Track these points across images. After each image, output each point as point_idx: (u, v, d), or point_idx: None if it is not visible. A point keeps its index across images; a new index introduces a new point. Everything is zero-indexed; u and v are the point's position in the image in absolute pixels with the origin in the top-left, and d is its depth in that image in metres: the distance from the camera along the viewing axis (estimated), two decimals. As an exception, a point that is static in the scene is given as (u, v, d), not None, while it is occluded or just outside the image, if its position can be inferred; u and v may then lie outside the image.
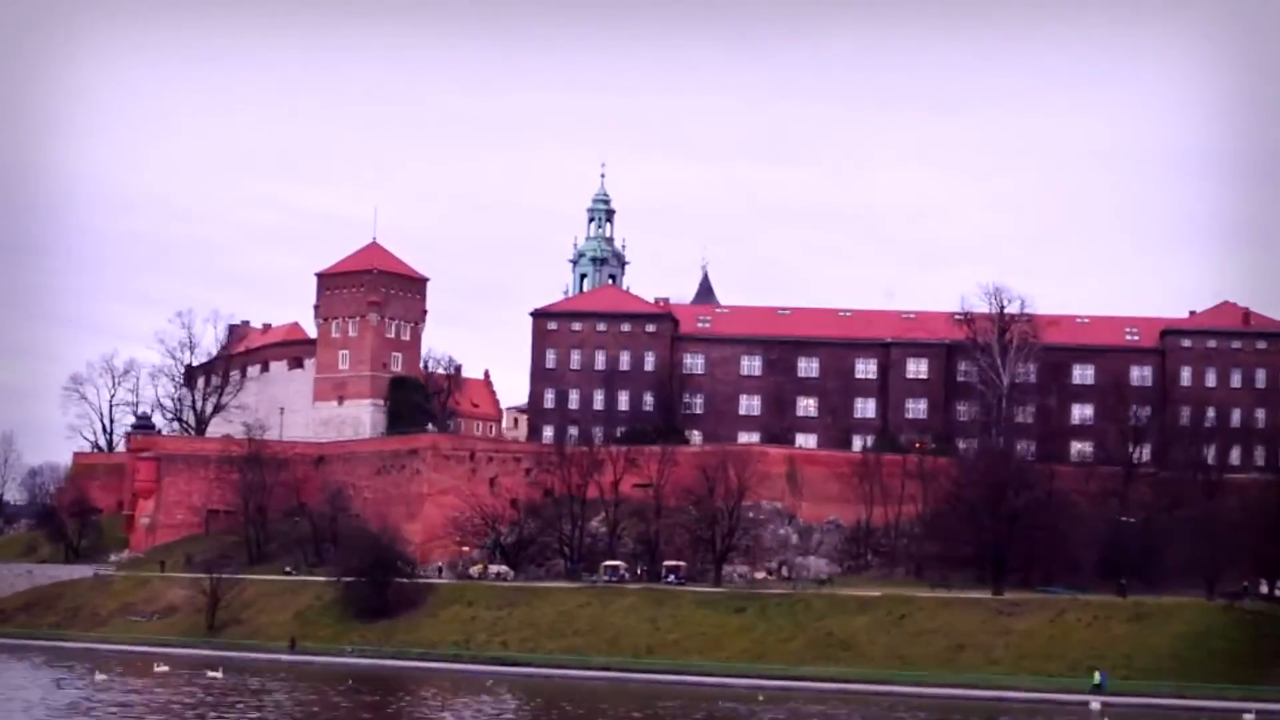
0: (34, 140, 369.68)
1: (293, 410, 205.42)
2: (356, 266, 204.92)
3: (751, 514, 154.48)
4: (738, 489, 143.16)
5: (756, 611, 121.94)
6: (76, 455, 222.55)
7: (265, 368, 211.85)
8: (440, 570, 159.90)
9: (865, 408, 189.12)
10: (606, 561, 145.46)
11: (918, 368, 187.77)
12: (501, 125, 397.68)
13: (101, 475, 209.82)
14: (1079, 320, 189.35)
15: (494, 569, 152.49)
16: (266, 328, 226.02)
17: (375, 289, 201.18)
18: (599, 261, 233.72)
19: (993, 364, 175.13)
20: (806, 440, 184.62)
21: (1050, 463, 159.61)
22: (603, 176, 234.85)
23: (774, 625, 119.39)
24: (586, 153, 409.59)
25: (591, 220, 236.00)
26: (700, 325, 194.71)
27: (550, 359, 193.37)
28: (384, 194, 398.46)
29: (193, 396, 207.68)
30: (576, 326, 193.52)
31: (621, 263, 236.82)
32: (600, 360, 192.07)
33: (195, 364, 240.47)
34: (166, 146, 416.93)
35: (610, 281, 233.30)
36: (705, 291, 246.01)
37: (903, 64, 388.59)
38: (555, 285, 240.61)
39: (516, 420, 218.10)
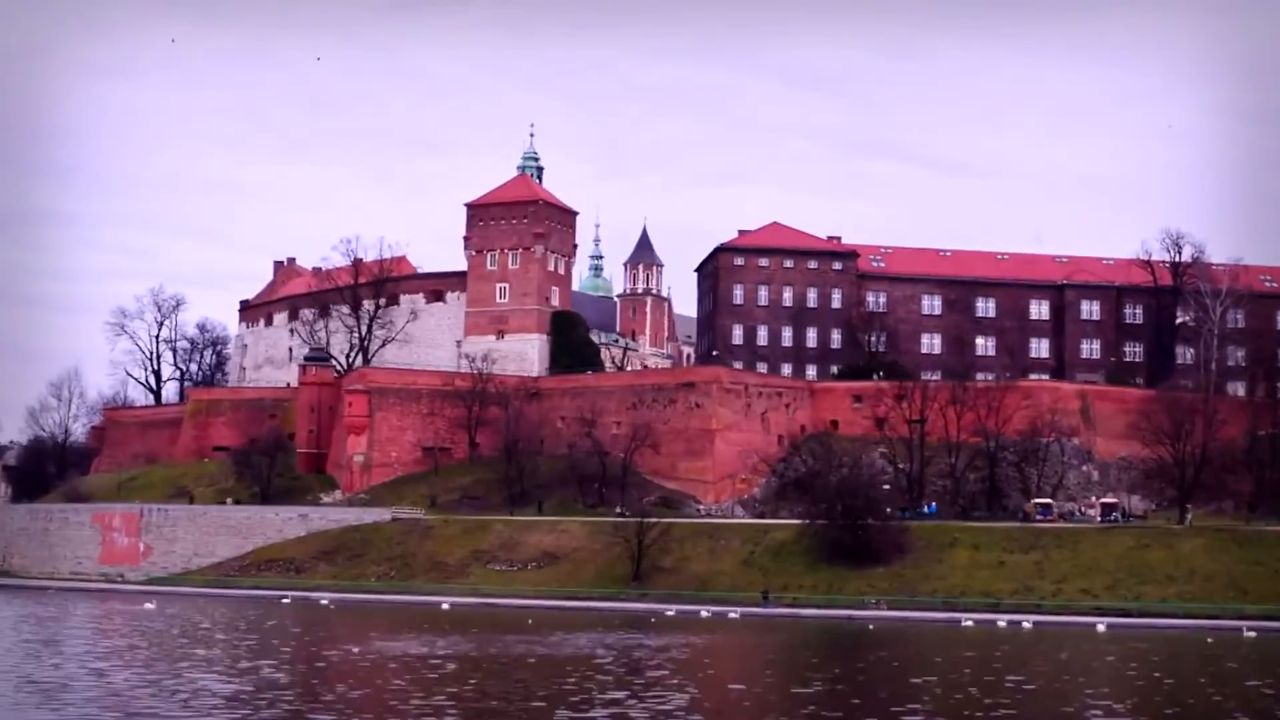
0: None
1: (433, 345, 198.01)
2: (510, 197, 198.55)
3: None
4: (1207, 431, 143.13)
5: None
6: (191, 391, 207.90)
7: (394, 300, 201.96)
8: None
9: (1040, 347, 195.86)
10: (1036, 499, 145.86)
11: (1091, 309, 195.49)
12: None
13: (227, 411, 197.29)
14: (1217, 267, 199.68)
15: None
16: (361, 262, 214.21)
17: (539, 221, 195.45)
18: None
19: (1204, 307, 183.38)
20: (984, 379, 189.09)
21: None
22: (531, 136, 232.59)
23: None
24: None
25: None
26: (875, 265, 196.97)
27: (738, 294, 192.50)
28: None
29: (335, 328, 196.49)
30: (763, 262, 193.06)
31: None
32: (787, 297, 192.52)
33: (252, 299, 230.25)
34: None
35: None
36: (644, 247, 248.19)
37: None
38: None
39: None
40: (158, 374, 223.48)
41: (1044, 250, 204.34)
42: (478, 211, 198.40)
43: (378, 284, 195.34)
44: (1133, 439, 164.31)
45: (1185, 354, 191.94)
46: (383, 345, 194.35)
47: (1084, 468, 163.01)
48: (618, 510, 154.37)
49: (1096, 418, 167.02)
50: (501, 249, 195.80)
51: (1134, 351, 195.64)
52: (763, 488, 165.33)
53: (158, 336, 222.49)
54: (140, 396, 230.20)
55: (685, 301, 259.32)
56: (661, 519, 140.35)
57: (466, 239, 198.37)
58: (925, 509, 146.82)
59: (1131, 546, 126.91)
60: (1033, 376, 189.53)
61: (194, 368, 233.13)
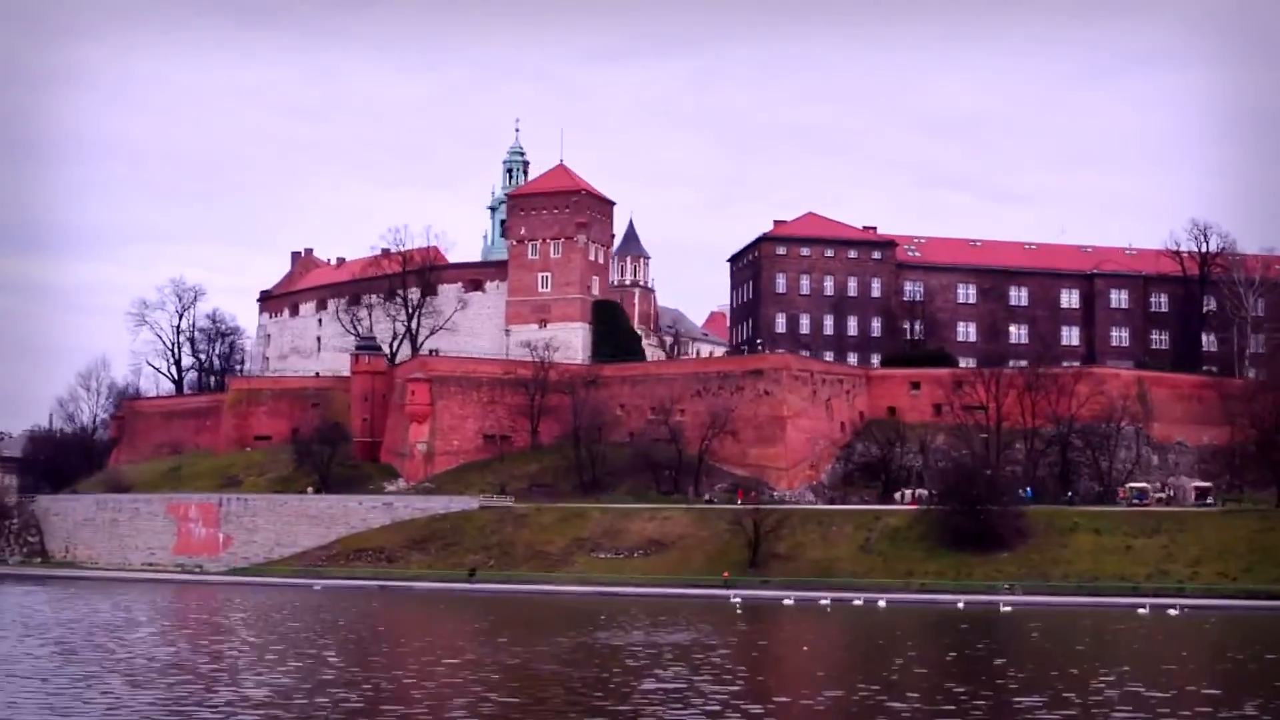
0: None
1: (473, 334, 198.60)
2: (552, 187, 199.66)
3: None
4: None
5: None
6: (233, 380, 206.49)
7: (432, 291, 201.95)
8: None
9: (1070, 335, 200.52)
10: (1132, 483, 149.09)
11: (1120, 298, 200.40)
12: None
13: (268, 400, 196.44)
14: (1249, 257, 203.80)
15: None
16: (391, 253, 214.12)
17: (581, 210, 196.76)
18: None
19: (1236, 296, 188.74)
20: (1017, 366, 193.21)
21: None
22: (517, 132, 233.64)
23: None
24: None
25: (509, 172, 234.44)
26: (911, 254, 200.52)
27: (780, 284, 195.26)
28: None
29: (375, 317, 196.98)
30: (805, 252, 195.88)
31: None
32: (828, 285, 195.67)
33: (271, 290, 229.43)
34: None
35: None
36: (631, 239, 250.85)
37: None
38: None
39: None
40: (179, 364, 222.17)
41: (1068, 241, 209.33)
42: (519, 201, 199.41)
43: (423, 272, 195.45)
44: (1188, 423, 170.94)
45: (1209, 341, 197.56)
46: (431, 334, 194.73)
47: (1143, 452, 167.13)
48: (705, 498, 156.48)
49: (1153, 403, 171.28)
50: (543, 239, 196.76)
51: (1160, 339, 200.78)
52: (829, 473, 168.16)
53: (178, 327, 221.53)
54: (154, 387, 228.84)
55: (669, 297, 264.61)
56: (776, 507, 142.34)
57: (508, 229, 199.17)
58: (1022, 493, 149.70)
59: (1257, 530, 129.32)
60: (1065, 364, 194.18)
61: (204, 358, 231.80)
